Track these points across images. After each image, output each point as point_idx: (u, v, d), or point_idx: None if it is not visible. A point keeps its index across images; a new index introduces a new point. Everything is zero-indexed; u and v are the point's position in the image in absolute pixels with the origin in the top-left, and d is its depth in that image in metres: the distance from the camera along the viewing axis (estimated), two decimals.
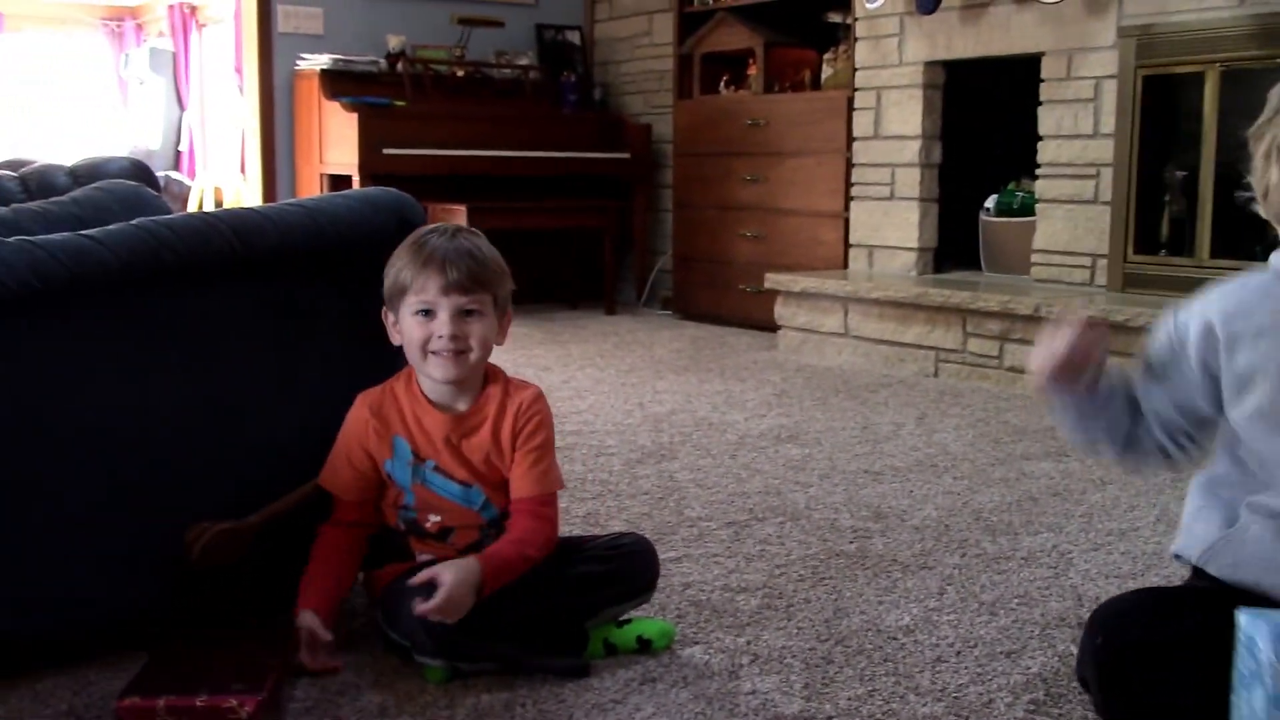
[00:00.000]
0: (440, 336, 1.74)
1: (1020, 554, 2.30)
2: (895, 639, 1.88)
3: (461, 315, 1.75)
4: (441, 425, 1.79)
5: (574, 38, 6.57)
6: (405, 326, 1.77)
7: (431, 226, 1.82)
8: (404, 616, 1.68)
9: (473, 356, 1.76)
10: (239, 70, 6.90)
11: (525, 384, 1.86)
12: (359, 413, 1.83)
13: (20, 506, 1.65)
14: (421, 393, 1.81)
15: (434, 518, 1.81)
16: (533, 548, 1.78)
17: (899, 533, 2.43)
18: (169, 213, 1.93)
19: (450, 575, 1.66)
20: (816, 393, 3.90)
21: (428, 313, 1.75)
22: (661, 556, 2.01)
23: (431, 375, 1.77)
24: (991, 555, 2.29)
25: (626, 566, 1.84)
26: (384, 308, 1.81)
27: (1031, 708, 1.65)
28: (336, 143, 5.60)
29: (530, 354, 4.57)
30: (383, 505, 1.86)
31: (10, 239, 1.63)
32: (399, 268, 1.76)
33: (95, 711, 1.61)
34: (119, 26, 10.60)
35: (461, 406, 1.81)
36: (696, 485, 2.77)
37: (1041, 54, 4.18)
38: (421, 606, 1.63)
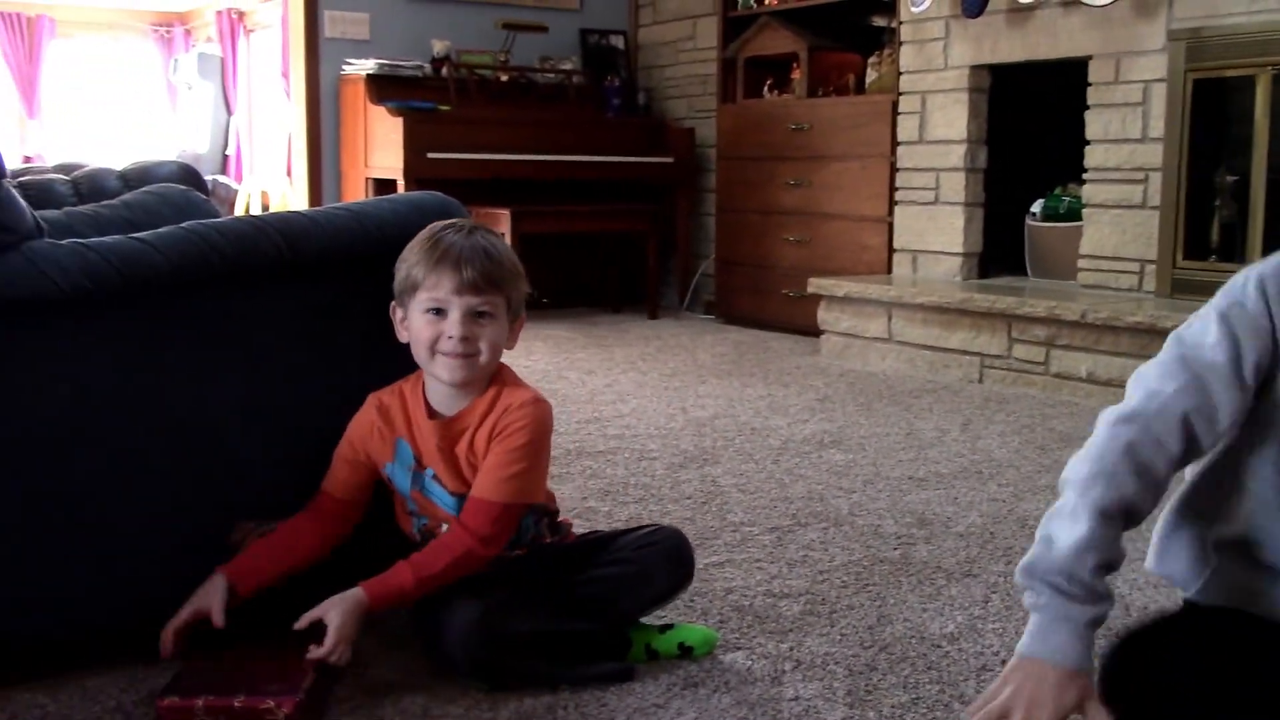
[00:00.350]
0: (450, 337, 1.69)
1: None
2: (939, 647, 1.87)
3: (473, 316, 1.70)
4: (433, 432, 1.75)
5: (618, 42, 6.58)
6: (414, 324, 1.73)
7: (447, 222, 1.77)
8: (444, 639, 1.67)
9: (481, 359, 1.72)
10: (286, 75, 6.96)
11: (524, 389, 1.79)
12: (366, 414, 1.80)
13: (71, 505, 1.67)
14: (424, 396, 1.77)
15: (445, 527, 1.78)
16: (432, 569, 1.68)
17: (943, 540, 2.41)
18: (217, 216, 1.95)
19: (336, 615, 1.62)
20: (860, 398, 3.89)
21: (438, 311, 1.70)
22: (704, 561, 2.01)
23: (438, 375, 1.73)
24: None
25: (662, 563, 1.82)
26: (393, 302, 1.78)
27: (1078, 717, 1.63)
28: (381, 147, 5.63)
29: (573, 357, 4.58)
30: (397, 514, 1.84)
31: (63, 241, 1.65)
32: (411, 263, 1.72)
33: (143, 709, 1.62)
34: (168, 32, 10.74)
35: (459, 407, 1.76)
36: (739, 490, 2.76)
37: (1089, 57, 4.14)
38: (312, 653, 1.60)
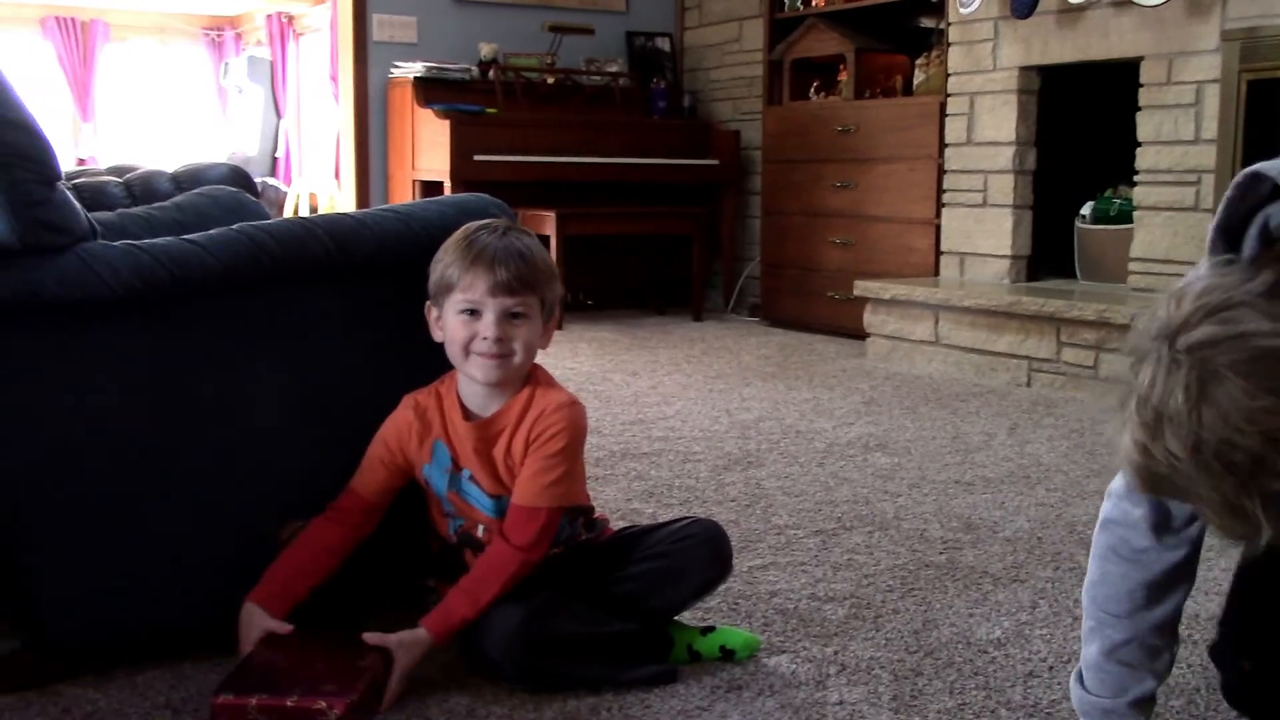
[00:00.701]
0: (484, 338, 1.70)
1: None
2: (986, 652, 1.85)
3: (508, 318, 1.71)
4: (469, 434, 1.76)
5: (664, 44, 6.58)
6: (449, 324, 1.73)
7: (482, 223, 1.77)
8: (486, 645, 1.67)
9: (515, 360, 1.72)
10: (334, 78, 7.03)
11: (557, 390, 1.79)
12: (403, 414, 1.81)
13: (122, 504, 1.70)
14: (458, 398, 1.78)
15: (482, 528, 1.79)
16: (489, 591, 1.68)
17: (990, 544, 2.39)
18: (267, 218, 1.97)
19: (404, 657, 1.64)
20: (906, 401, 3.86)
21: (473, 312, 1.71)
22: (748, 564, 2.00)
23: (472, 376, 1.74)
24: (1086, 569, 2.24)
25: (700, 557, 1.81)
26: (428, 302, 1.78)
27: None
28: (428, 149, 5.67)
29: (618, 359, 4.58)
30: (432, 515, 1.84)
31: (116, 243, 1.68)
32: (446, 263, 1.73)
33: (192, 705, 1.64)
34: (219, 36, 10.86)
35: (493, 409, 1.76)
36: (784, 493, 2.75)
37: (1140, 58, 4.10)
38: (388, 698, 1.62)
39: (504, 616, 1.66)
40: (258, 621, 1.69)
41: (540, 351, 1.79)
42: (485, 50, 5.99)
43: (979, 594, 2.11)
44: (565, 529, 1.82)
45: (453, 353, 1.75)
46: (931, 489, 2.80)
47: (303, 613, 1.74)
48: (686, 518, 1.93)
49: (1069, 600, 2.08)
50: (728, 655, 1.80)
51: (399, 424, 1.80)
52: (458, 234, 1.75)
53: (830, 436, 3.33)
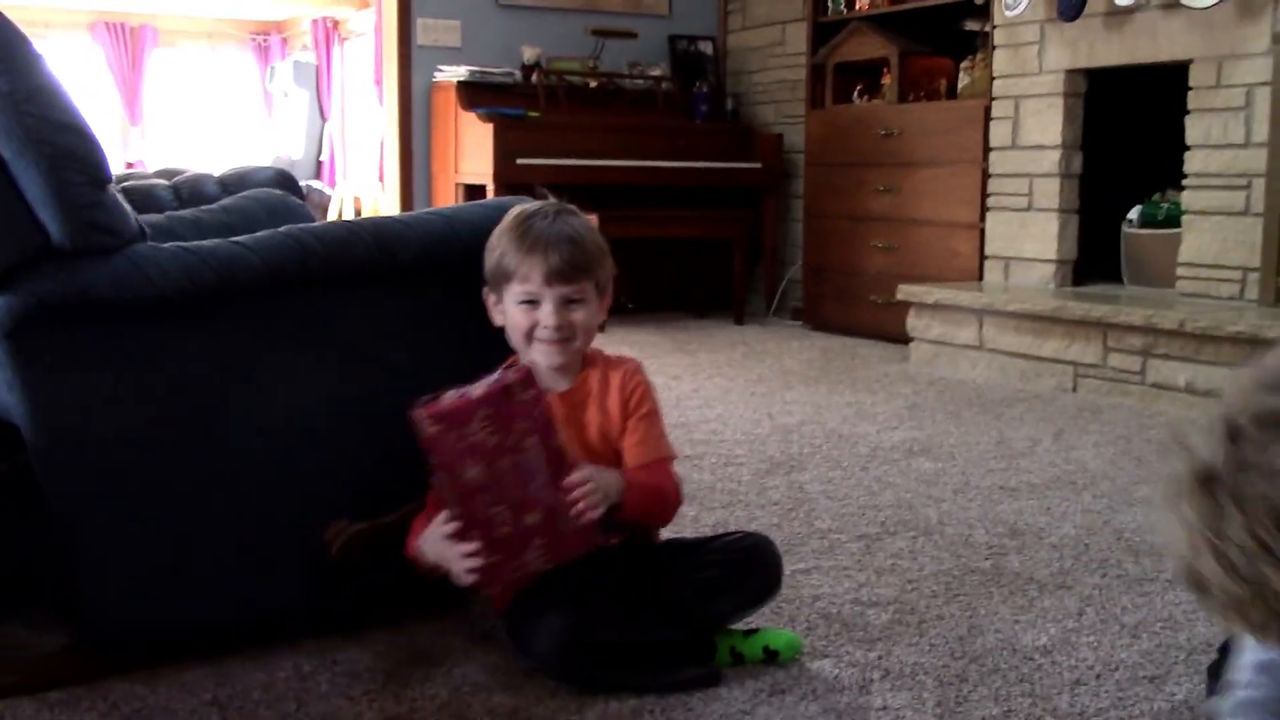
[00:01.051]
0: (545, 326, 1.75)
1: (1165, 576, 2.22)
2: (1032, 659, 1.83)
3: (565, 304, 1.76)
4: (558, 404, 1.78)
5: (706, 48, 6.58)
6: (510, 313, 1.79)
7: (533, 207, 1.81)
8: (535, 643, 1.69)
9: (576, 343, 1.78)
10: (379, 82, 7.07)
11: (622, 358, 1.87)
12: None
13: (174, 504, 1.71)
14: None
15: None
16: (665, 490, 1.78)
17: (1036, 551, 2.37)
18: (312, 221, 1.99)
19: (605, 474, 1.69)
20: (949, 406, 3.84)
21: (532, 302, 1.75)
22: (791, 568, 2.00)
23: (536, 360, 1.77)
24: (1134, 576, 2.22)
25: (750, 569, 1.81)
26: (485, 287, 1.82)
27: None
28: (472, 153, 5.69)
29: (660, 362, 4.58)
30: None
31: (164, 245, 1.70)
32: (502, 251, 1.77)
33: (238, 702, 1.66)
34: (265, 41, 10.97)
35: (563, 387, 1.81)
36: (826, 497, 2.74)
37: (1190, 61, 4.05)
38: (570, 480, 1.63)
39: (553, 619, 1.67)
40: (431, 535, 1.68)
41: None
42: (528, 54, 6.01)
43: (1024, 600, 2.09)
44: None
45: (515, 340, 1.80)
46: (976, 494, 2.78)
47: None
48: (739, 532, 1.95)
49: (1116, 608, 2.05)
50: (771, 656, 1.79)
51: None
52: (510, 219, 1.79)
53: (873, 441, 3.31)
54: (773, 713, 1.64)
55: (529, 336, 1.77)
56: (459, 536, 1.63)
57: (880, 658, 1.83)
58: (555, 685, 1.69)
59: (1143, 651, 1.86)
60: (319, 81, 10.09)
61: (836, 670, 1.78)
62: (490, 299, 1.82)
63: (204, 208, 2.19)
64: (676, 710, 1.64)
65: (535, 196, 1.90)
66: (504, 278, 1.77)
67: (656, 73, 6.28)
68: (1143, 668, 1.80)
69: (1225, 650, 1.52)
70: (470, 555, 1.63)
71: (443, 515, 1.65)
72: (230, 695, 1.68)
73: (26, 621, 1.89)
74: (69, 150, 1.59)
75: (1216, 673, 1.53)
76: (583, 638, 1.67)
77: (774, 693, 1.70)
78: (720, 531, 2.37)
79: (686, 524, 2.50)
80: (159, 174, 3.15)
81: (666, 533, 1.96)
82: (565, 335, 1.76)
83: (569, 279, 1.75)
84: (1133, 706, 1.67)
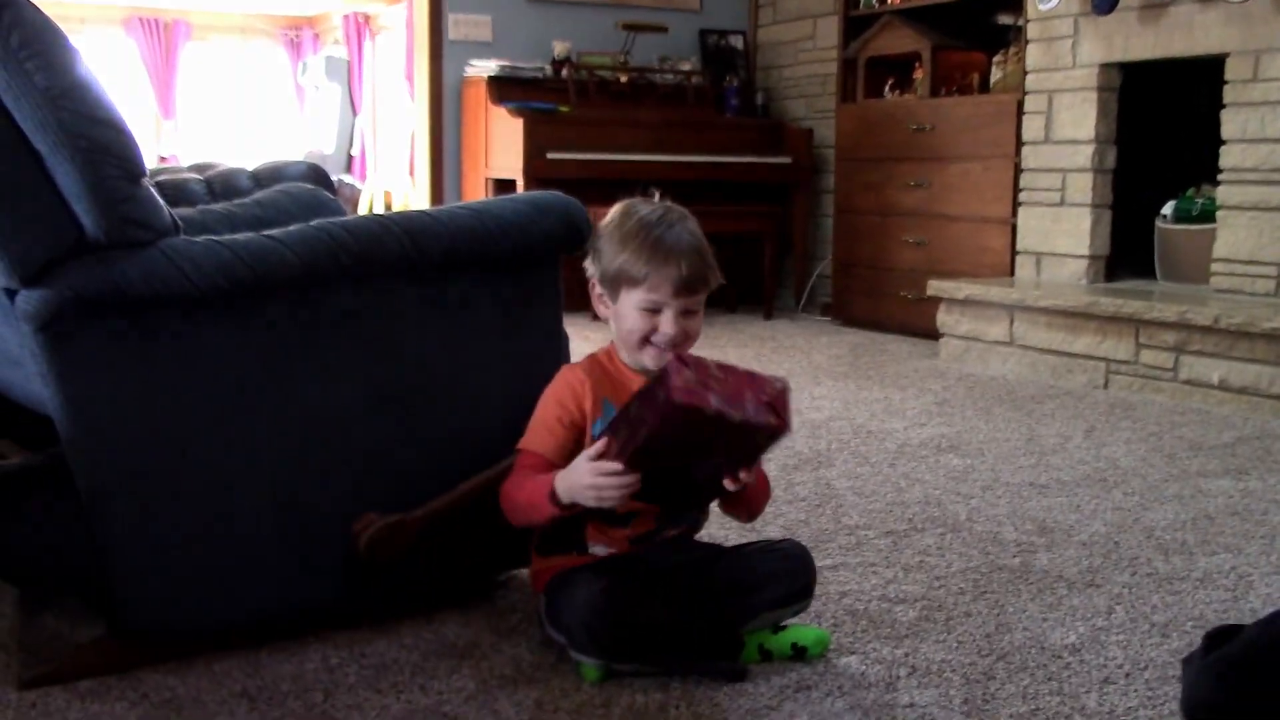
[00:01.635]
0: (665, 334, 1.76)
1: (1195, 575, 2.20)
2: (1060, 657, 1.82)
3: (684, 313, 1.78)
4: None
5: (737, 42, 6.57)
6: (626, 314, 1.79)
7: (650, 211, 1.81)
8: (566, 612, 1.71)
9: (688, 349, 1.79)
10: (409, 77, 7.10)
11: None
12: (572, 374, 1.84)
13: (206, 497, 1.73)
14: (624, 364, 1.84)
15: None
16: (768, 482, 1.88)
17: (1065, 548, 2.35)
18: (344, 215, 2.00)
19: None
20: (980, 402, 3.82)
21: (654, 310, 1.76)
22: (818, 564, 1.99)
23: (644, 363, 1.79)
24: (1164, 575, 2.21)
25: (782, 571, 1.82)
26: (592, 278, 1.83)
27: None
28: (502, 147, 5.70)
29: None
30: None
31: (198, 239, 1.71)
32: (630, 256, 1.76)
33: (268, 693, 1.67)
34: (297, 36, 11.03)
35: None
36: (854, 493, 2.73)
37: (1226, 55, 4.01)
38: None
39: (589, 586, 1.69)
40: (576, 468, 1.69)
41: None
42: (559, 49, 6.01)
43: (1053, 598, 2.08)
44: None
45: (628, 340, 1.80)
46: (1005, 491, 2.76)
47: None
48: (781, 539, 1.96)
49: (1146, 606, 2.04)
50: (799, 653, 1.79)
51: (570, 383, 1.83)
52: (633, 222, 1.79)
53: (902, 437, 3.30)
54: (799, 709, 1.64)
55: (645, 340, 1.78)
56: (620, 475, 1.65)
57: (907, 655, 1.82)
58: (580, 680, 1.70)
59: (1173, 650, 1.85)
60: (350, 76, 10.14)
61: (863, 667, 1.78)
62: (596, 289, 1.83)
63: (236, 202, 2.20)
64: (703, 705, 1.65)
65: (642, 194, 1.90)
66: (629, 282, 1.77)
67: (687, 67, 6.28)
68: (1172, 667, 1.79)
69: (1216, 637, 1.51)
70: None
71: (592, 452, 1.66)
72: (260, 687, 1.69)
73: (59, 612, 1.91)
74: (104, 145, 1.60)
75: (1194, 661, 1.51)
76: (613, 610, 1.67)
77: (800, 689, 1.70)
78: (749, 532, 2.39)
79: (714, 517, 2.49)
80: (192, 168, 3.17)
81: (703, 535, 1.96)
82: (679, 342, 1.77)
83: (695, 290, 1.77)
84: (1162, 705, 1.66)
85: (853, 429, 3.40)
